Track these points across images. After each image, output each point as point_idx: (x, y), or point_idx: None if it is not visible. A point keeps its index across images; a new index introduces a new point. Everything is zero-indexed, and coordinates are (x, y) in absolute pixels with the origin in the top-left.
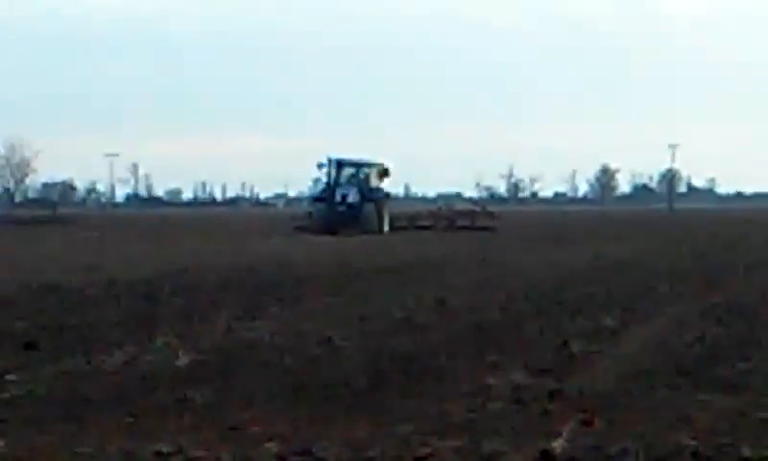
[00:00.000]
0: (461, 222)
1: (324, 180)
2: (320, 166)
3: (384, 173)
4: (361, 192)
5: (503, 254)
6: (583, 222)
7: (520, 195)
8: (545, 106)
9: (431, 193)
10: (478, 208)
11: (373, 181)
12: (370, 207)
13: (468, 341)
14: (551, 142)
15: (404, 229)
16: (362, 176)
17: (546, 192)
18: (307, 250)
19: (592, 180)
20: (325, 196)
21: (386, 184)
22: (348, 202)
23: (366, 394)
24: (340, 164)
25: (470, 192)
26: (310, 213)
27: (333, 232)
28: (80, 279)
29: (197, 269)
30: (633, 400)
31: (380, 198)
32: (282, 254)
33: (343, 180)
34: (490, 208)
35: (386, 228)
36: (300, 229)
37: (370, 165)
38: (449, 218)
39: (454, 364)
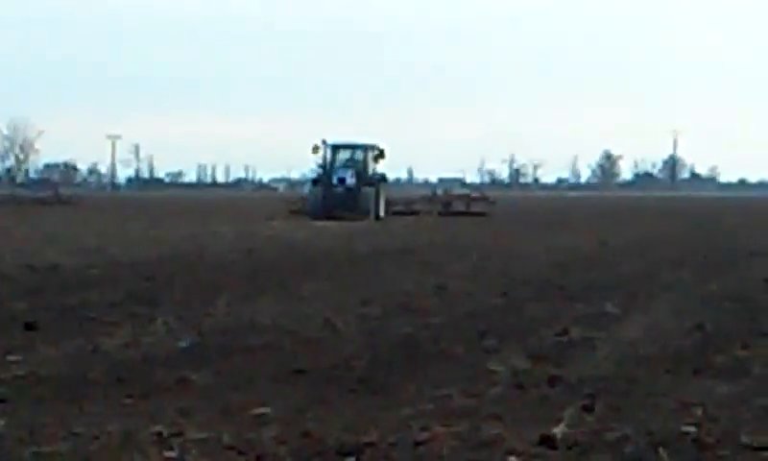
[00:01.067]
0: (456, 207)
1: (320, 163)
2: (315, 150)
3: (380, 155)
4: (358, 175)
5: (504, 240)
6: (584, 208)
7: (522, 181)
8: (548, 91)
9: (433, 178)
10: (473, 193)
11: (370, 164)
12: (367, 191)
13: (469, 326)
14: (553, 128)
15: (400, 213)
16: (358, 158)
17: (548, 178)
18: (308, 233)
19: (594, 166)
20: (322, 179)
21: (383, 167)
22: (346, 185)
23: (366, 377)
24: (335, 147)
25: (473, 177)
26: (302, 197)
27: (330, 216)
28: (80, 260)
29: (197, 251)
30: (633, 386)
31: (376, 181)
32: (283, 238)
33: (338, 163)
34: (486, 193)
35: (382, 212)
36: (296, 212)
37: (365, 148)
38: (445, 203)
39: (454, 349)
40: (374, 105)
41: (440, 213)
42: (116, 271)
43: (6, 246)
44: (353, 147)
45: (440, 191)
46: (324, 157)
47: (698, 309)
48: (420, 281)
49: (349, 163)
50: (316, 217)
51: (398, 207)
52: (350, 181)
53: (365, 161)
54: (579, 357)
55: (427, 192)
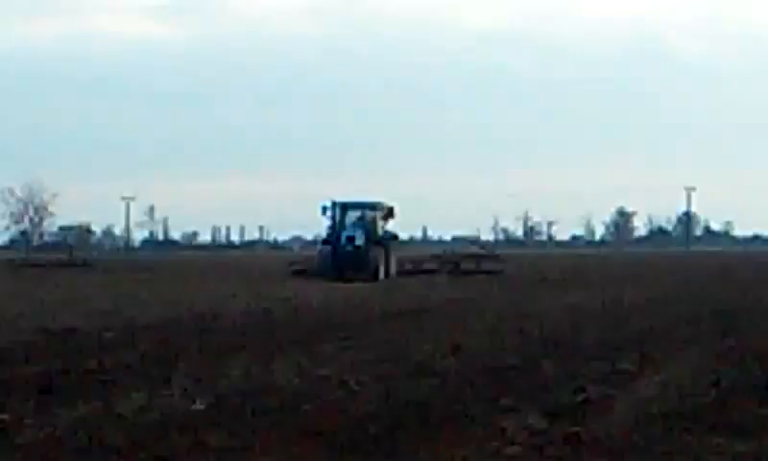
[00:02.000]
0: (465, 265)
1: (329, 223)
2: (324, 210)
3: (389, 214)
4: (367, 234)
5: (518, 298)
6: (599, 265)
7: (537, 238)
8: (561, 148)
9: (447, 236)
10: (483, 251)
11: (379, 223)
12: (377, 250)
13: (485, 385)
14: (567, 185)
15: (410, 273)
16: (367, 218)
17: (563, 235)
18: (323, 294)
19: (609, 223)
20: (330, 239)
21: (392, 225)
22: (356, 244)
23: (382, 439)
24: (344, 207)
25: (487, 235)
26: (307, 257)
27: (339, 277)
28: (96, 323)
29: (213, 312)
30: (649, 444)
31: (386, 240)
32: (299, 298)
33: (347, 222)
34: (497, 251)
35: (393, 271)
36: (300, 272)
37: (374, 206)
38: (454, 261)
39: (470, 408)
40: (388, 164)
41: (450, 272)
42: (132, 333)
43: (21, 309)
44: (362, 206)
45: (446, 249)
46: (333, 217)
47: (714, 366)
48: (435, 341)
49: (358, 223)
50: (325, 277)
51: (408, 267)
52: (359, 240)
53: (374, 221)
54: (595, 415)
55: (438, 251)
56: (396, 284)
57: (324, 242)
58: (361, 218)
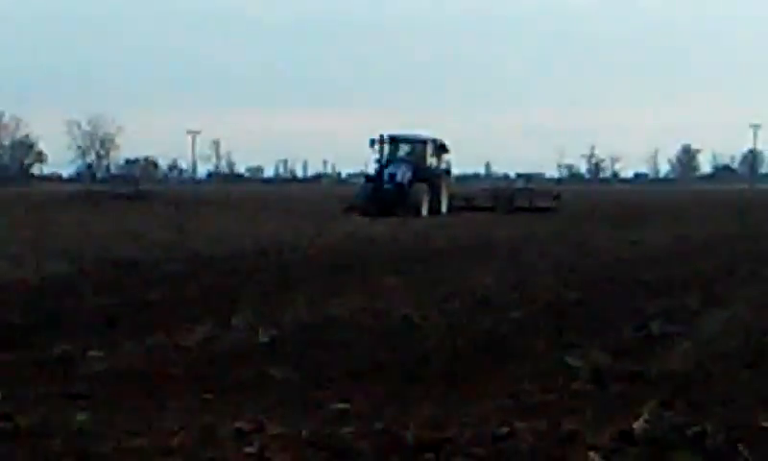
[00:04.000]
0: (519, 202)
1: (377, 157)
2: (372, 143)
3: (441, 149)
4: (413, 170)
5: (582, 234)
6: (664, 202)
7: (601, 175)
8: (627, 85)
9: (512, 172)
10: (533, 186)
11: (429, 159)
12: (419, 187)
13: (548, 321)
14: (632, 122)
15: (462, 209)
16: (416, 153)
17: (627, 172)
18: (386, 228)
19: (674, 160)
20: (375, 175)
21: (451, 160)
22: (397, 181)
23: (445, 373)
24: (393, 140)
25: (552, 172)
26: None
27: (384, 213)
28: (160, 256)
29: (277, 247)
30: (713, 381)
31: (436, 176)
32: (361, 233)
33: (395, 157)
34: (556, 188)
35: (444, 208)
36: (350, 209)
37: (425, 141)
38: (507, 198)
39: (533, 344)
40: (452, 98)
41: (502, 209)
42: (196, 267)
43: (87, 241)
44: (412, 141)
45: (498, 184)
46: (381, 152)
47: None
48: (498, 276)
49: (407, 158)
50: (365, 214)
51: (459, 203)
52: (401, 177)
53: (423, 156)
54: (658, 353)
55: (488, 186)
56: (452, 220)
57: (369, 178)
58: (410, 153)
